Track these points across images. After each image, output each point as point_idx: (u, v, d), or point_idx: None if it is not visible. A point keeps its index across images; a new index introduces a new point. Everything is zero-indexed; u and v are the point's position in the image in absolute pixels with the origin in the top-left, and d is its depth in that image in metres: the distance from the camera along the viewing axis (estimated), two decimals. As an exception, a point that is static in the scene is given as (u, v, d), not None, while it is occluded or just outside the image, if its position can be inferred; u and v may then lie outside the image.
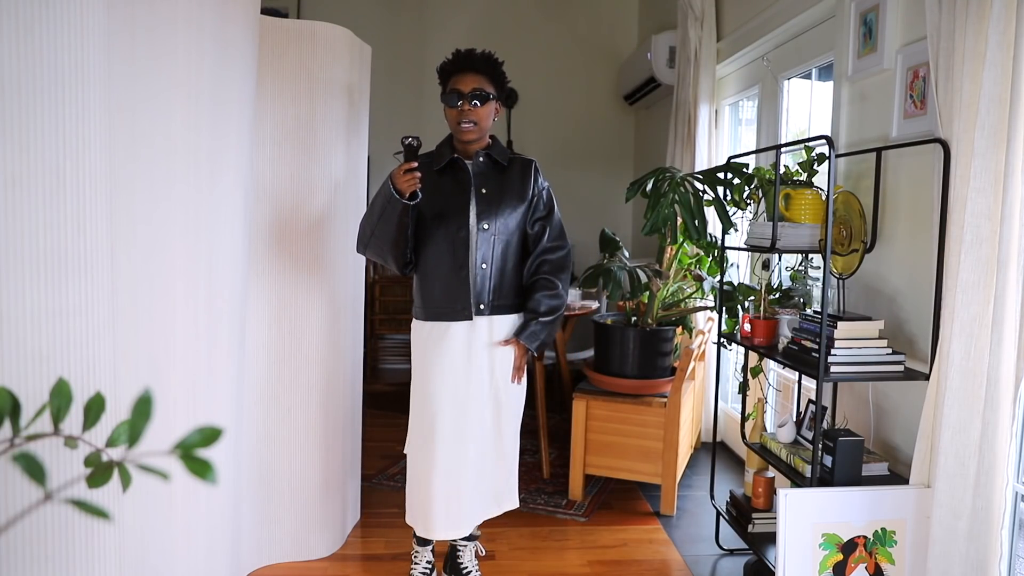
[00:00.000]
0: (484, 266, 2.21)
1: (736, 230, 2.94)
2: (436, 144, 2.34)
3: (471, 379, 2.23)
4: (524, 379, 2.35)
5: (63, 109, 1.25)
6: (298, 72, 2.36)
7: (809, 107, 3.17)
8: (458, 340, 2.22)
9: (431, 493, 2.23)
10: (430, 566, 2.40)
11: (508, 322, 2.28)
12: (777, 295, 2.60)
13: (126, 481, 0.73)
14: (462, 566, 2.42)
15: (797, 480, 2.18)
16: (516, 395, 2.34)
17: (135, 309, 1.63)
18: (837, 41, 2.65)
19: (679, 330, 3.29)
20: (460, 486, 2.24)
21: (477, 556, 2.51)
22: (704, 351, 3.56)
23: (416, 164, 2.06)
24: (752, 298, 2.68)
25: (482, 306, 2.22)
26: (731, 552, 2.70)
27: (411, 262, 2.26)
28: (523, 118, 5.56)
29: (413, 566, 2.40)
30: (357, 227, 2.31)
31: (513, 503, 2.40)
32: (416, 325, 2.31)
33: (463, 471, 2.24)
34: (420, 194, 2.11)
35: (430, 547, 2.40)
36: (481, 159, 2.27)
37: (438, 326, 2.23)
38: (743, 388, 2.71)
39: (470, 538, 2.44)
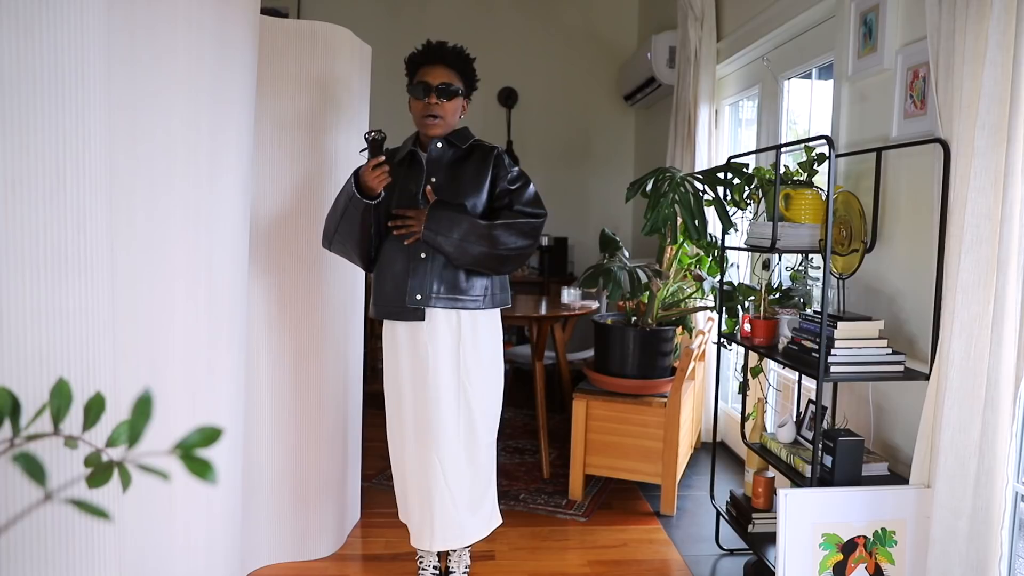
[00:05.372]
0: (423, 256, 2.11)
1: (736, 230, 2.94)
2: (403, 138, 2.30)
3: (428, 381, 2.15)
4: (500, 385, 2.26)
5: (63, 109, 1.25)
6: (298, 72, 2.36)
7: (809, 107, 3.17)
8: (412, 340, 2.15)
9: (408, 502, 2.23)
10: (437, 571, 2.39)
11: (465, 316, 2.16)
12: (777, 295, 2.60)
13: (126, 481, 0.73)
14: (449, 569, 2.40)
15: (797, 480, 2.18)
16: (487, 398, 2.23)
17: (135, 309, 1.63)
18: (837, 41, 2.65)
19: (679, 330, 3.28)
20: (432, 497, 2.17)
21: (472, 558, 2.49)
22: (704, 351, 3.56)
23: (384, 159, 2.02)
24: (752, 298, 2.68)
25: (419, 296, 2.10)
26: (731, 552, 2.70)
27: (375, 259, 2.21)
28: (523, 118, 5.56)
29: (421, 572, 2.39)
30: None
31: (487, 526, 2.27)
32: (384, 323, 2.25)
33: (433, 479, 2.16)
34: (384, 192, 2.08)
35: (434, 551, 2.39)
36: (439, 144, 2.17)
37: (392, 325, 2.19)
38: (743, 388, 2.71)
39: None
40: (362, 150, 2.07)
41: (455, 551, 2.38)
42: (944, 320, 1.86)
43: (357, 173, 2.08)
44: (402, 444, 2.24)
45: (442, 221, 2.06)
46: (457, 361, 2.16)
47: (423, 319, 2.13)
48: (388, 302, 2.16)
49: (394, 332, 2.21)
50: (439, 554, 2.42)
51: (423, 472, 2.19)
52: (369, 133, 2.04)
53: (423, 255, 2.12)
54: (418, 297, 2.11)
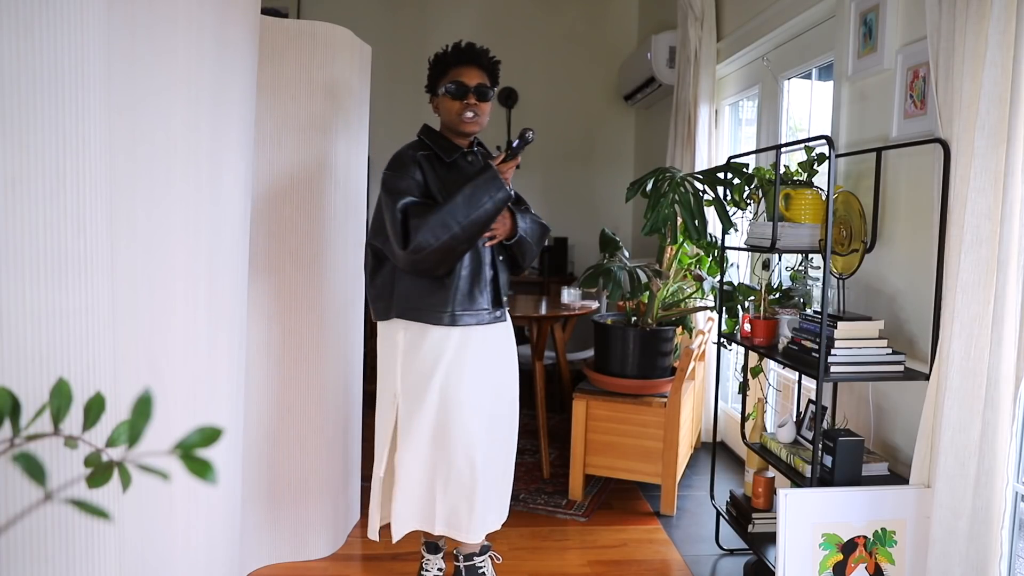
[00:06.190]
0: (501, 259, 2.21)
1: (736, 230, 2.94)
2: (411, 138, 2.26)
3: (506, 381, 2.25)
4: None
5: (63, 109, 1.25)
6: (298, 72, 2.36)
7: (809, 107, 3.17)
8: (494, 342, 2.21)
9: (447, 500, 2.20)
10: (440, 573, 2.39)
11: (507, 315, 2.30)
12: (777, 295, 2.60)
13: (126, 481, 0.73)
14: (477, 567, 2.35)
15: (797, 480, 2.18)
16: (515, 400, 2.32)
17: (135, 309, 1.63)
18: (837, 41, 2.65)
19: (679, 330, 3.28)
20: (495, 488, 2.25)
21: (494, 564, 2.47)
22: (704, 351, 3.56)
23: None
24: (752, 298, 2.68)
25: (505, 298, 2.22)
26: (731, 552, 2.70)
27: None
28: (523, 118, 5.56)
29: (424, 573, 2.38)
30: (367, 228, 2.26)
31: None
32: (421, 328, 2.13)
33: (501, 471, 2.27)
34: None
35: (440, 554, 2.39)
36: (479, 154, 2.24)
37: (459, 331, 2.12)
38: (743, 388, 2.71)
39: (483, 551, 2.35)
40: (518, 145, 2.07)
41: (480, 557, 2.34)
42: (944, 320, 1.86)
43: (493, 172, 2.03)
44: (467, 444, 2.16)
45: (524, 223, 2.20)
46: (502, 360, 2.27)
47: (506, 320, 2.23)
48: (480, 308, 2.14)
49: (478, 339, 2.16)
50: (443, 556, 2.42)
51: (486, 468, 2.19)
52: (529, 131, 2.09)
53: (501, 258, 2.20)
54: (505, 299, 2.22)
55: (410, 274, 2.11)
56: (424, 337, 2.13)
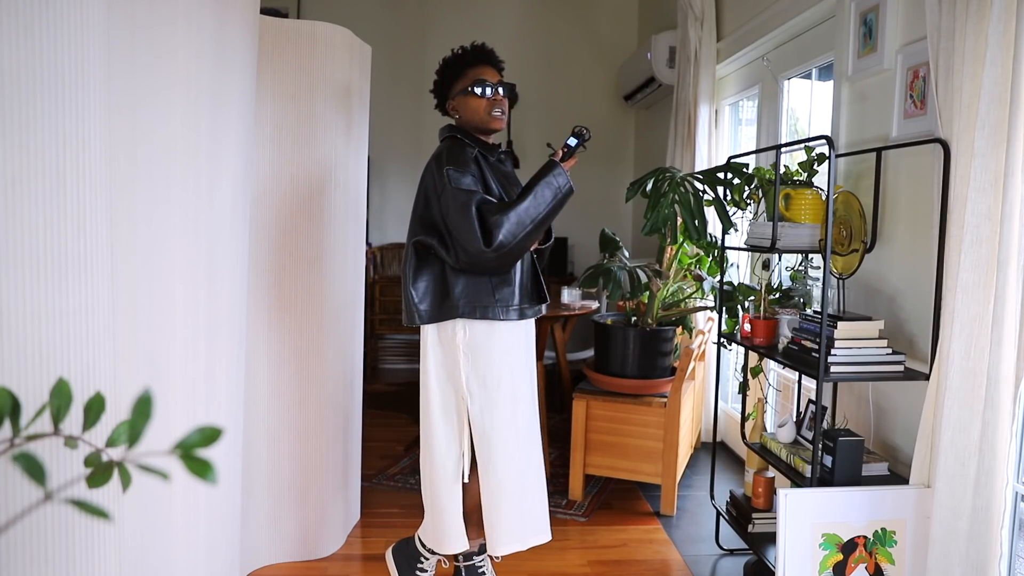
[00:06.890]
0: (535, 255, 2.27)
1: (736, 230, 2.94)
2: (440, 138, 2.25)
3: (534, 375, 2.29)
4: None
5: (63, 109, 1.25)
6: (298, 72, 2.36)
7: (809, 107, 3.17)
8: (531, 335, 2.27)
9: (522, 504, 2.24)
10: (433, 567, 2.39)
11: None
12: (777, 295, 2.60)
13: (126, 481, 0.73)
14: (479, 567, 2.37)
15: (797, 480, 2.18)
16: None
17: (135, 309, 1.63)
18: (837, 41, 2.65)
19: (679, 330, 3.28)
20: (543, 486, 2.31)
21: (493, 564, 2.48)
22: (704, 351, 3.56)
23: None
24: (752, 298, 2.68)
25: (548, 296, 2.28)
26: (731, 552, 2.70)
27: None
28: (523, 118, 5.56)
29: (420, 573, 2.37)
30: (405, 228, 2.26)
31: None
32: (483, 324, 2.12)
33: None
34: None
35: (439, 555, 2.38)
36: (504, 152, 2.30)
37: (519, 324, 2.20)
38: (743, 388, 2.71)
39: (482, 550, 2.36)
40: (578, 145, 2.14)
41: (480, 557, 2.39)
42: (944, 320, 1.86)
43: (560, 168, 2.12)
44: (538, 439, 2.29)
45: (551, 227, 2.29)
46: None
47: (541, 312, 2.28)
48: (534, 301, 2.23)
49: (528, 331, 2.26)
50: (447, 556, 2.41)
51: (541, 464, 2.28)
52: (584, 129, 2.14)
53: (534, 251, 2.27)
54: (546, 297, 2.29)
55: (467, 273, 2.09)
56: (491, 333, 2.13)
